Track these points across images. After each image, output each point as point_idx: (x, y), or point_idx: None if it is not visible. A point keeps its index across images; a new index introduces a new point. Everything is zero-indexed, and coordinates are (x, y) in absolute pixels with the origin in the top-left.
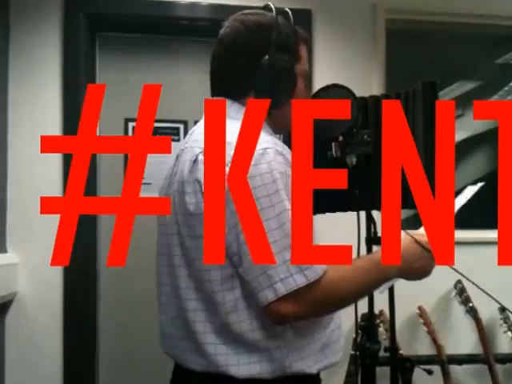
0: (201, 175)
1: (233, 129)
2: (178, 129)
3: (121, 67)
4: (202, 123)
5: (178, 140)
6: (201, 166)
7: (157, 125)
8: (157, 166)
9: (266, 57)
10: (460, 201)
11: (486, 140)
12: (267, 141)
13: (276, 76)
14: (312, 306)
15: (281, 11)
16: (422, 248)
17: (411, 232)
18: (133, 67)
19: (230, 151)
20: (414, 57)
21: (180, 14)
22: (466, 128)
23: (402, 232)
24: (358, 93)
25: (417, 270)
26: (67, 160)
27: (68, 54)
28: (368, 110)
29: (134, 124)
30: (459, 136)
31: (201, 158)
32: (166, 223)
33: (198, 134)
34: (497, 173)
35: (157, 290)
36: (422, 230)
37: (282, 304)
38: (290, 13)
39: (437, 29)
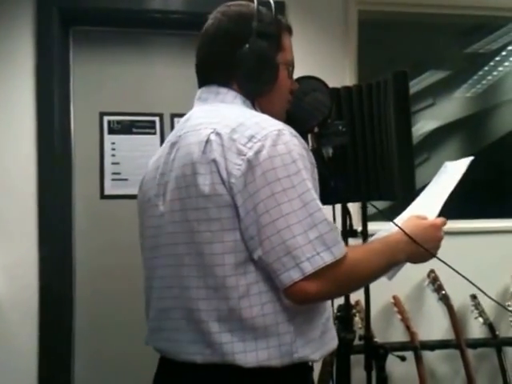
0: (217, 155)
1: (239, 112)
2: (153, 122)
3: (95, 61)
4: (199, 110)
5: (155, 133)
6: (215, 146)
7: (133, 118)
8: (133, 162)
9: (247, 45)
10: (454, 177)
11: (458, 129)
12: (278, 123)
13: (256, 64)
14: (335, 284)
15: (262, 1)
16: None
17: (416, 215)
18: (107, 61)
19: (244, 132)
20: (385, 47)
21: (154, 7)
22: (437, 117)
23: (408, 215)
24: (331, 83)
25: (423, 254)
26: (42, 160)
27: (42, 48)
28: (341, 100)
29: (109, 118)
30: (431, 125)
31: (213, 137)
32: (160, 214)
33: (197, 118)
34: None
35: (146, 286)
36: (416, 211)
37: (307, 283)
38: (271, 2)
39: (407, 19)
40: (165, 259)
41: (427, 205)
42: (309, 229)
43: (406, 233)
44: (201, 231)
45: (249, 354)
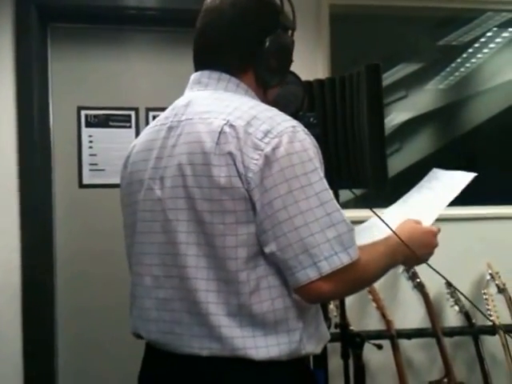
0: (232, 147)
1: (249, 104)
2: (129, 116)
3: (72, 57)
4: (201, 95)
5: (130, 127)
6: (230, 139)
7: (109, 112)
8: (110, 153)
9: (272, 36)
10: (454, 189)
11: (430, 120)
12: (290, 118)
13: (279, 57)
14: (348, 285)
15: None
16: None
17: (412, 220)
18: (84, 57)
19: (259, 126)
20: (358, 40)
21: (129, 4)
22: (409, 109)
23: (404, 220)
24: (304, 77)
25: (418, 258)
26: (22, 152)
27: (21, 45)
28: (313, 93)
29: (86, 112)
30: (403, 117)
31: (227, 129)
32: (156, 198)
33: (201, 105)
34: (441, 151)
35: (134, 272)
36: (408, 213)
37: (323, 283)
38: None
39: (379, 12)
40: (156, 247)
41: (421, 210)
42: (326, 228)
43: (399, 237)
44: (214, 223)
45: (260, 350)
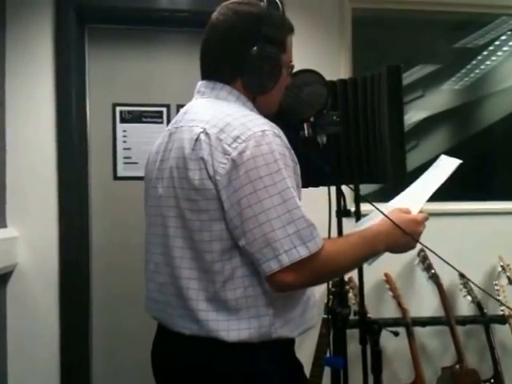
0: (205, 153)
1: (228, 111)
2: (161, 112)
3: (108, 56)
4: (196, 104)
5: (162, 122)
6: (204, 145)
7: (142, 109)
8: (143, 147)
9: (255, 48)
10: (442, 175)
11: (446, 119)
12: (264, 122)
13: (262, 66)
14: (311, 275)
15: (272, 1)
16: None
17: (399, 208)
18: (119, 56)
19: (230, 133)
20: (379, 43)
21: (162, 6)
22: (426, 108)
23: (390, 208)
24: (328, 77)
25: (402, 245)
26: (61, 146)
27: (60, 45)
28: (337, 92)
29: (121, 108)
30: (420, 115)
31: (202, 137)
32: (158, 195)
33: (192, 113)
34: (456, 149)
35: (145, 258)
36: (399, 203)
37: (285, 274)
38: (279, 3)
39: (399, 16)
40: (158, 238)
41: (414, 197)
42: (287, 224)
43: (394, 222)
44: (193, 220)
45: (231, 333)
